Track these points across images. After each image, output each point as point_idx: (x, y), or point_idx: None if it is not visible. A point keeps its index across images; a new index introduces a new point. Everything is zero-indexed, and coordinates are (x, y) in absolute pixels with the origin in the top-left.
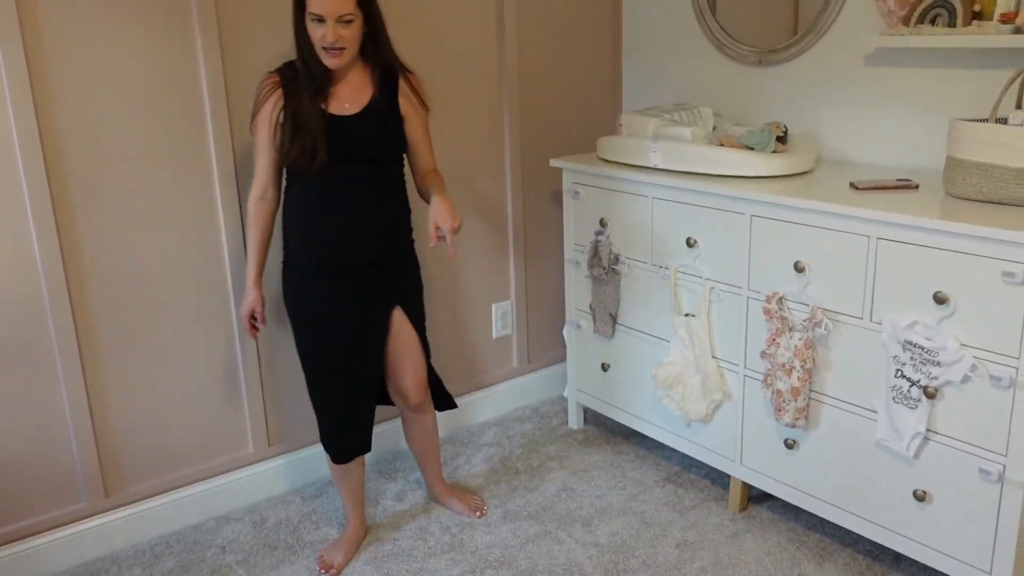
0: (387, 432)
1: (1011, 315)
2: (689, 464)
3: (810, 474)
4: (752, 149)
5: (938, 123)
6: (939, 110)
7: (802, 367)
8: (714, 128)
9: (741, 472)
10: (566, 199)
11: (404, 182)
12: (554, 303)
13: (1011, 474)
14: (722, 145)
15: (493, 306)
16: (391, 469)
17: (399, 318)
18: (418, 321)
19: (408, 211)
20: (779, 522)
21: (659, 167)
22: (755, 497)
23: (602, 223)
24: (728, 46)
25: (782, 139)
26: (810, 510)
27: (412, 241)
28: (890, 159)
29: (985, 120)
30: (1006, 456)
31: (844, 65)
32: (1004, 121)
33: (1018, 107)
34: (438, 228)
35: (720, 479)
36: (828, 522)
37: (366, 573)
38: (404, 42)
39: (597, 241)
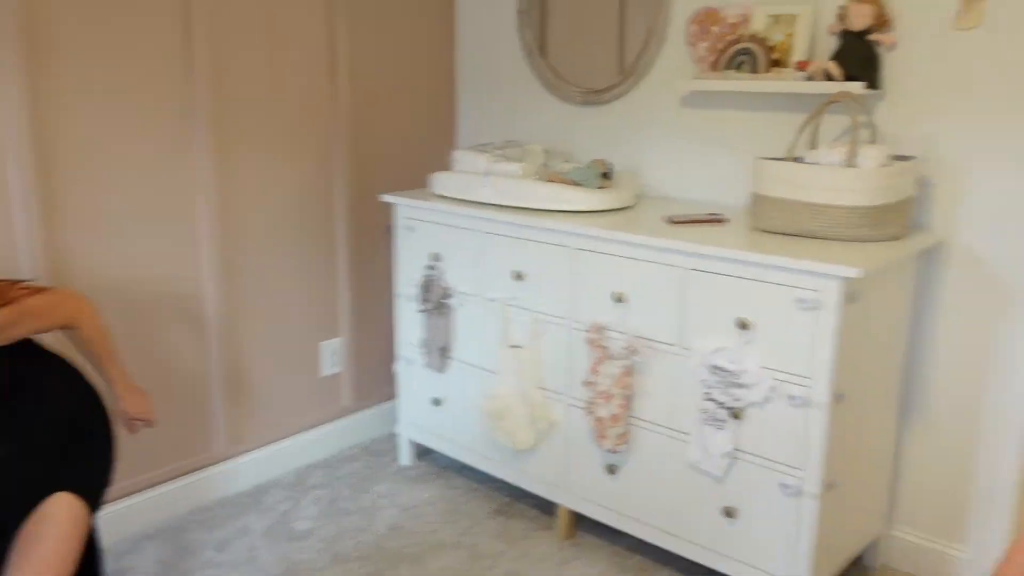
0: (209, 478)
1: (803, 339)
2: (520, 494)
3: (630, 498)
4: (579, 185)
5: (745, 161)
6: (746, 150)
7: (621, 394)
8: (544, 165)
9: (567, 499)
10: (399, 234)
11: None
12: (386, 339)
13: (807, 487)
14: (550, 181)
15: (321, 344)
16: (210, 518)
17: None
18: None
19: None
20: (604, 547)
21: (490, 202)
22: (581, 524)
23: (434, 257)
24: (556, 86)
25: (607, 175)
26: (631, 533)
27: None
28: (704, 194)
29: (784, 159)
30: (802, 470)
31: (662, 106)
32: (801, 160)
33: (813, 147)
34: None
35: (548, 508)
36: (648, 543)
37: None
38: (236, 76)
39: (429, 275)
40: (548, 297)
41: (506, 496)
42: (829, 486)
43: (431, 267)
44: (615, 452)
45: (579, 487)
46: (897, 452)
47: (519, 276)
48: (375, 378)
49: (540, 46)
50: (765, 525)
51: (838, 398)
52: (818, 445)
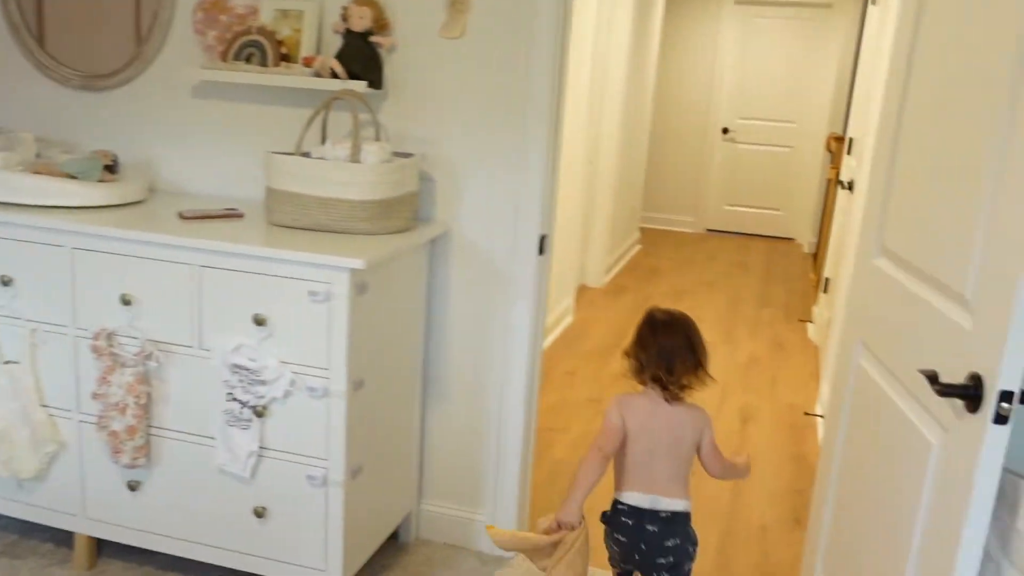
0: None
1: (318, 331)
2: (30, 529)
3: (158, 513)
4: (75, 178)
5: (260, 155)
6: (260, 143)
7: (136, 403)
8: (37, 155)
9: (85, 526)
10: None
11: None
12: None
13: (332, 476)
14: (39, 173)
15: None
16: None
17: None
18: None
19: None
20: (131, 570)
21: None
22: (106, 550)
23: None
24: (51, 68)
25: (111, 168)
26: (162, 550)
27: None
28: (221, 189)
29: (292, 154)
30: (327, 459)
31: (173, 96)
32: (309, 155)
33: (323, 142)
34: None
35: (65, 539)
36: (182, 558)
37: None
38: None
39: None
40: (45, 304)
41: (13, 534)
42: (355, 472)
43: None
44: (134, 467)
45: (98, 510)
46: (422, 431)
47: (6, 282)
48: None
49: (36, 23)
50: (296, 520)
51: (357, 385)
52: (340, 433)
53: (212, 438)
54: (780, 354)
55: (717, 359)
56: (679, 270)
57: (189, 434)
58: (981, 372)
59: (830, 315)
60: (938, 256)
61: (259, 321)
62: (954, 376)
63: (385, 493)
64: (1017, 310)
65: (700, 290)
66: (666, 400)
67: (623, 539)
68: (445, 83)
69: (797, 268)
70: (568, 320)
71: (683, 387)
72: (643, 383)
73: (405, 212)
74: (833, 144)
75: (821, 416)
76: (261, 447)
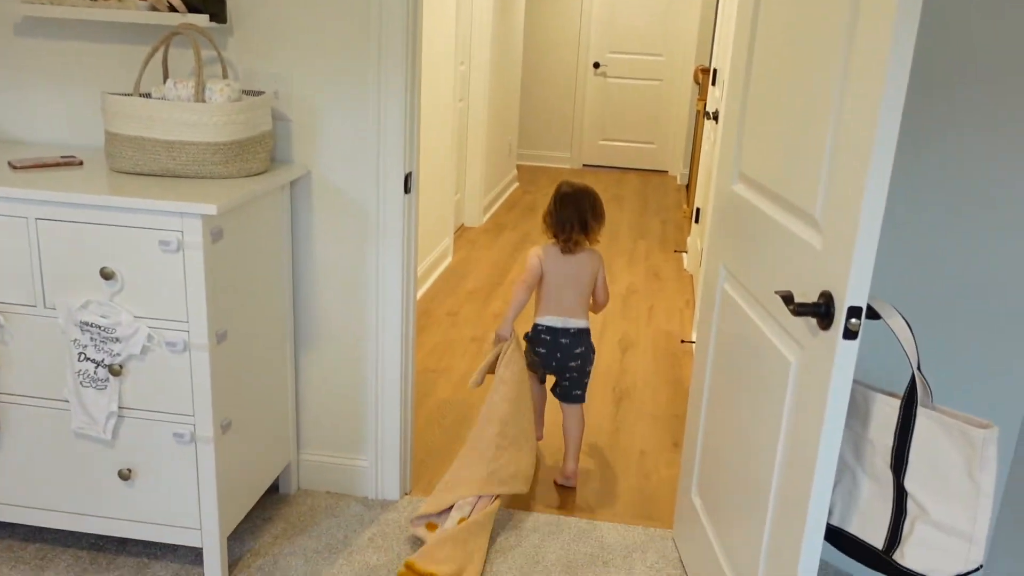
0: None
1: (174, 282)
2: None
3: (13, 483)
4: None
5: (96, 98)
6: (95, 84)
7: None
8: None
9: None
10: None
11: None
12: None
13: (200, 431)
14: None
15: None
16: None
17: None
18: None
19: None
20: None
21: None
22: None
23: None
24: None
25: None
26: (20, 521)
27: None
28: (55, 136)
29: (132, 95)
30: (193, 416)
31: None
32: (149, 95)
33: (164, 81)
34: None
35: None
36: (45, 528)
37: None
38: None
39: None
40: None
41: None
42: (224, 427)
43: None
44: None
45: None
46: (296, 381)
47: None
48: None
49: None
50: (166, 479)
51: (220, 338)
52: (205, 388)
53: (66, 401)
54: (656, 284)
55: None
56: None
57: (41, 398)
58: (831, 290)
59: (702, 244)
60: (789, 179)
61: (107, 275)
62: (807, 296)
63: (260, 446)
64: (862, 229)
65: None
66: (564, 251)
67: (543, 351)
68: (295, 16)
69: (671, 200)
70: (448, 261)
71: (576, 243)
72: (553, 237)
73: (260, 154)
74: (700, 76)
75: (695, 343)
76: (121, 407)
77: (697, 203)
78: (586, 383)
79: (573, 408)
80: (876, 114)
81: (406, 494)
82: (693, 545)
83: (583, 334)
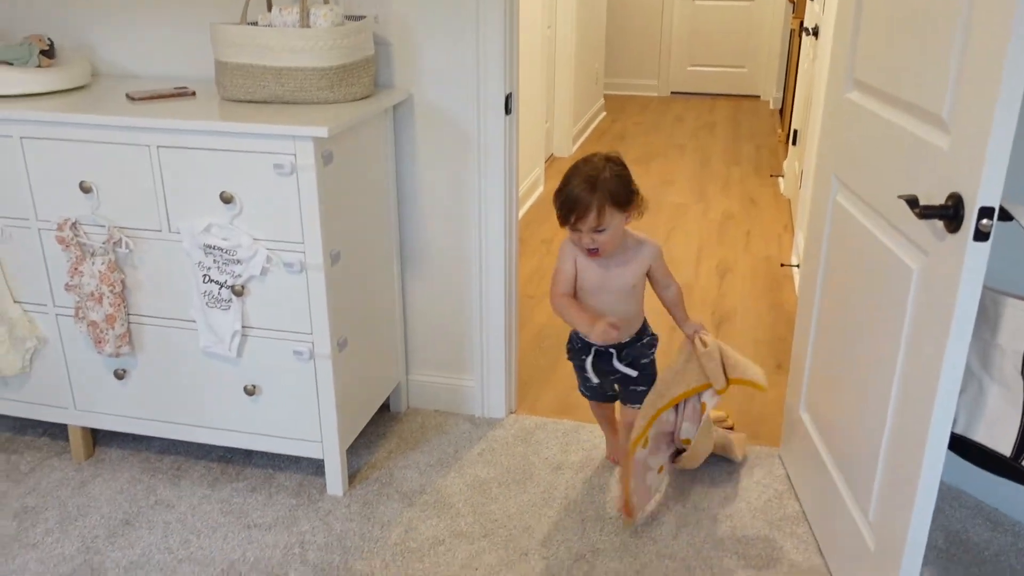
0: None
1: (288, 204)
2: (22, 426)
3: (148, 399)
4: (11, 64)
5: (204, 29)
6: (204, 16)
7: (112, 292)
8: None
9: (77, 417)
10: None
11: None
12: None
13: (319, 349)
14: None
15: None
16: None
17: None
18: None
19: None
20: (130, 456)
21: None
22: (101, 439)
23: None
24: None
25: (47, 53)
26: (156, 435)
27: None
28: (167, 69)
29: (240, 24)
30: (311, 334)
31: None
32: (256, 23)
33: (269, 9)
34: None
35: (60, 432)
36: (178, 441)
37: None
38: None
39: None
40: (2, 198)
41: (6, 431)
42: (340, 345)
43: None
44: (119, 355)
45: (88, 401)
46: (404, 303)
47: None
48: None
49: None
50: (288, 394)
51: (334, 259)
52: (321, 307)
53: (193, 321)
54: (753, 210)
55: (692, 218)
56: (646, 135)
57: (170, 319)
58: (960, 191)
59: (801, 167)
60: (913, 80)
61: (226, 199)
62: (933, 198)
63: (373, 365)
64: (996, 126)
65: (670, 152)
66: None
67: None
68: None
69: (764, 125)
70: (540, 191)
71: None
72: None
73: (364, 78)
74: None
75: (796, 266)
76: (244, 326)
77: (795, 125)
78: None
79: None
80: (1012, 4)
81: (511, 412)
82: (801, 461)
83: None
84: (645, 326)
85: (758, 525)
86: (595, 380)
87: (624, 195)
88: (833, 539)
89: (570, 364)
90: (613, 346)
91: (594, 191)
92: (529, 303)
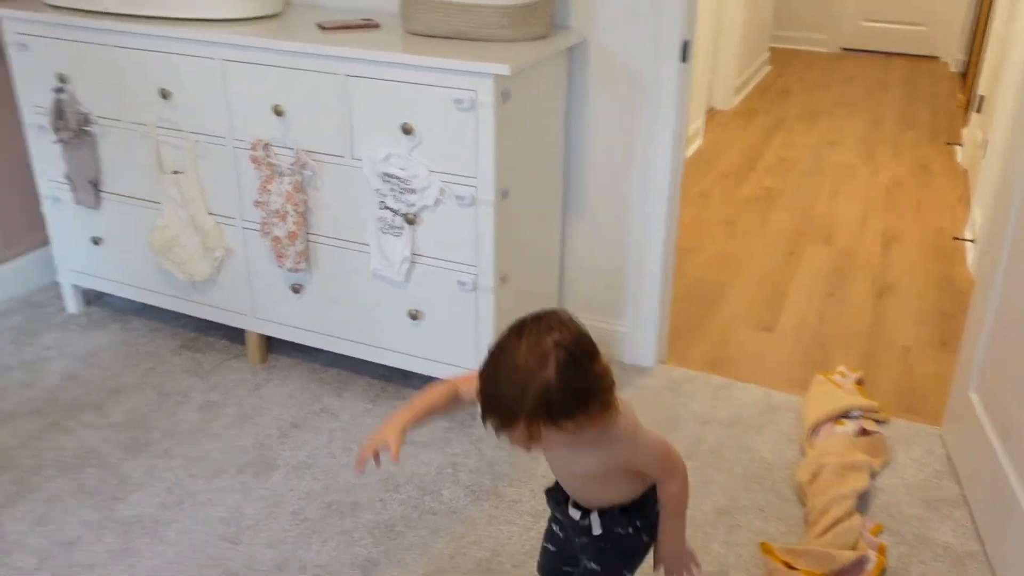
0: None
1: (465, 139)
2: (206, 327)
3: (319, 314)
4: None
5: None
6: None
7: (295, 211)
8: None
9: (255, 325)
10: (10, 52)
11: None
12: (24, 177)
13: (482, 282)
14: None
15: None
16: None
17: None
18: None
19: None
20: (299, 365)
21: (115, 11)
22: (275, 347)
23: (61, 79)
24: None
25: None
26: (325, 348)
27: None
28: (356, 0)
29: None
30: (476, 267)
31: None
32: None
33: None
34: None
35: (238, 336)
36: (343, 356)
37: None
38: None
39: (59, 100)
40: (202, 116)
41: (191, 331)
42: (503, 279)
43: (60, 90)
44: (297, 271)
45: (265, 311)
46: (563, 242)
47: (165, 94)
48: (21, 223)
49: None
50: (448, 322)
51: (503, 195)
52: (488, 242)
53: (366, 244)
54: (925, 177)
55: (858, 181)
56: (812, 92)
57: (345, 240)
58: None
59: (985, 136)
60: None
61: (407, 130)
62: None
63: (529, 301)
64: None
65: (837, 111)
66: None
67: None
68: None
69: (943, 88)
70: (698, 143)
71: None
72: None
73: (542, 18)
74: None
75: (971, 240)
76: (413, 253)
77: (980, 91)
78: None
79: None
80: None
81: (661, 362)
82: (966, 444)
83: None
84: (642, 504)
85: (913, 504)
86: (552, 548)
87: (574, 404)
88: (997, 527)
89: (723, 316)
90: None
91: (522, 399)
92: (682, 255)
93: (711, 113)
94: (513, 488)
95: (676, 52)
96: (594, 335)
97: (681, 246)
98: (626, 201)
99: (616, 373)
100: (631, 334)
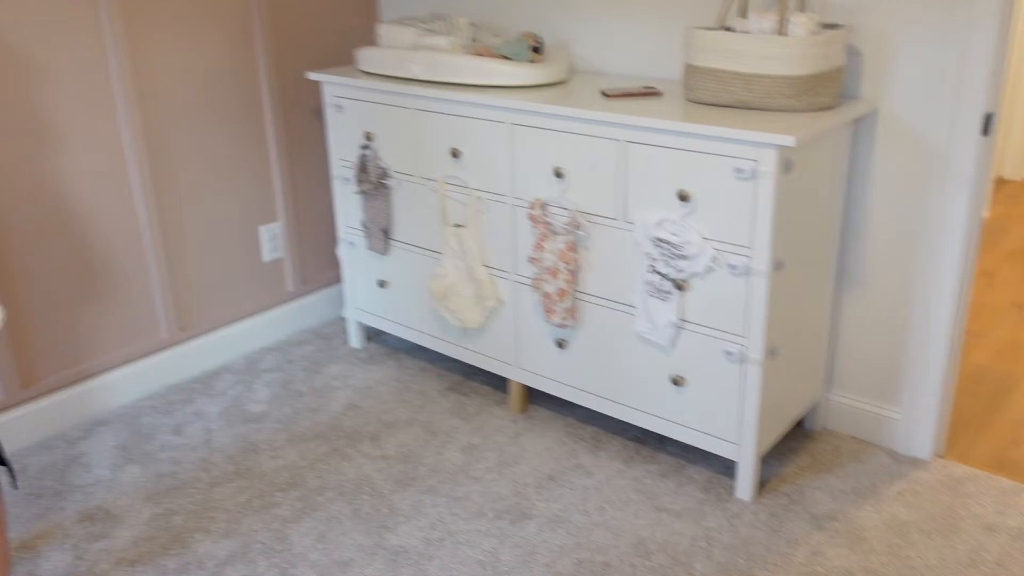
0: (157, 365)
1: (742, 208)
2: (470, 372)
3: (581, 370)
4: (509, 59)
5: (675, 33)
6: (676, 20)
7: (567, 269)
8: (472, 39)
9: (519, 375)
10: (328, 113)
11: None
12: (326, 222)
13: (750, 353)
14: (479, 55)
15: (260, 228)
16: (162, 403)
17: None
18: None
19: None
20: (556, 419)
21: (419, 78)
22: (535, 398)
23: (367, 137)
24: None
25: (537, 50)
26: (583, 404)
27: None
28: (636, 68)
29: (715, 28)
30: (745, 337)
31: None
32: (731, 29)
33: (743, 15)
34: None
35: (500, 384)
36: (600, 414)
37: (145, 511)
38: None
39: (363, 155)
40: (487, 175)
41: (458, 375)
42: (771, 352)
43: (365, 147)
44: (564, 327)
45: (530, 362)
46: (834, 318)
47: (456, 154)
48: (318, 262)
49: None
50: (711, 392)
51: (777, 266)
52: (759, 313)
53: (632, 306)
54: None
55: None
56: None
57: (612, 301)
58: None
59: None
60: None
61: (683, 197)
62: None
63: (796, 378)
64: None
65: None
66: None
67: None
68: None
69: None
70: (983, 214)
71: None
72: None
73: (831, 88)
74: None
75: None
76: (680, 319)
77: None
78: None
79: None
80: None
81: (938, 456)
82: None
83: None
84: None
85: None
86: None
87: None
88: None
89: (1013, 411)
90: None
91: None
92: (966, 339)
93: (999, 183)
94: (767, 572)
95: (978, 125)
96: (862, 421)
97: (966, 329)
98: (907, 278)
99: (885, 463)
100: (906, 422)
